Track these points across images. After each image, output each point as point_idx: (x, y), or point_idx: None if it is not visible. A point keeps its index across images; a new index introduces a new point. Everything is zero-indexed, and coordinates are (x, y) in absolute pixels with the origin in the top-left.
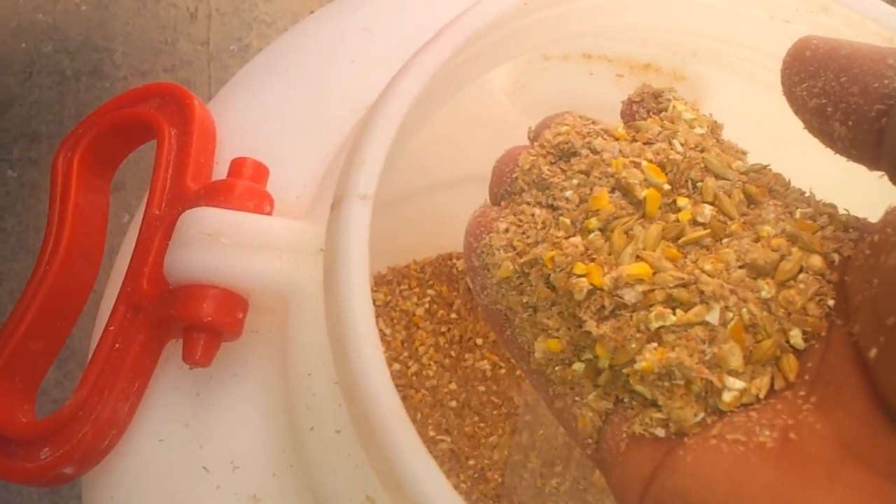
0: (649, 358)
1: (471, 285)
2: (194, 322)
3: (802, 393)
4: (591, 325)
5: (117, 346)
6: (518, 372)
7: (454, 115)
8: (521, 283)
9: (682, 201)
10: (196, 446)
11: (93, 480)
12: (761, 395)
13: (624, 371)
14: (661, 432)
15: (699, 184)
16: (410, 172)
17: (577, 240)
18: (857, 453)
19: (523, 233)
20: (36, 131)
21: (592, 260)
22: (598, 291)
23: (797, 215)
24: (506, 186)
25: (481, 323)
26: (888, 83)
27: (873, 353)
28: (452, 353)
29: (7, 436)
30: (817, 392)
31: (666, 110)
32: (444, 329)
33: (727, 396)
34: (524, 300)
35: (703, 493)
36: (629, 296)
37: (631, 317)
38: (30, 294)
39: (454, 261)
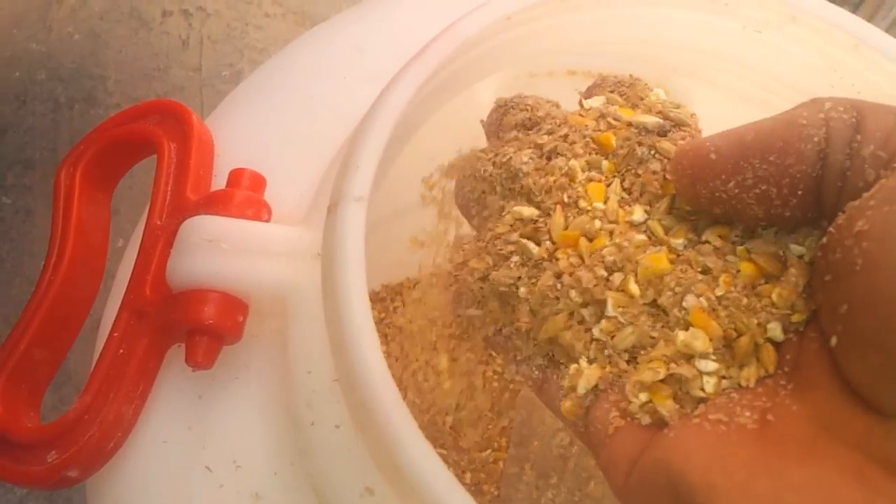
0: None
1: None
2: (196, 325)
3: (783, 382)
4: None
5: (121, 351)
6: (512, 386)
7: (444, 132)
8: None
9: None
10: (199, 447)
11: (98, 484)
12: (751, 384)
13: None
14: (646, 419)
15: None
16: (402, 191)
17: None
18: (831, 430)
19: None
20: (30, 158)
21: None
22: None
23: None
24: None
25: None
26: (815, 138)
27: (833, 341)
28: (447, 369)
29: (14, 440)
30: (794, 379)
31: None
32: (438, 345)
33: (708, 386)
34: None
35: (683, 464)
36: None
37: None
38: (34, 304)
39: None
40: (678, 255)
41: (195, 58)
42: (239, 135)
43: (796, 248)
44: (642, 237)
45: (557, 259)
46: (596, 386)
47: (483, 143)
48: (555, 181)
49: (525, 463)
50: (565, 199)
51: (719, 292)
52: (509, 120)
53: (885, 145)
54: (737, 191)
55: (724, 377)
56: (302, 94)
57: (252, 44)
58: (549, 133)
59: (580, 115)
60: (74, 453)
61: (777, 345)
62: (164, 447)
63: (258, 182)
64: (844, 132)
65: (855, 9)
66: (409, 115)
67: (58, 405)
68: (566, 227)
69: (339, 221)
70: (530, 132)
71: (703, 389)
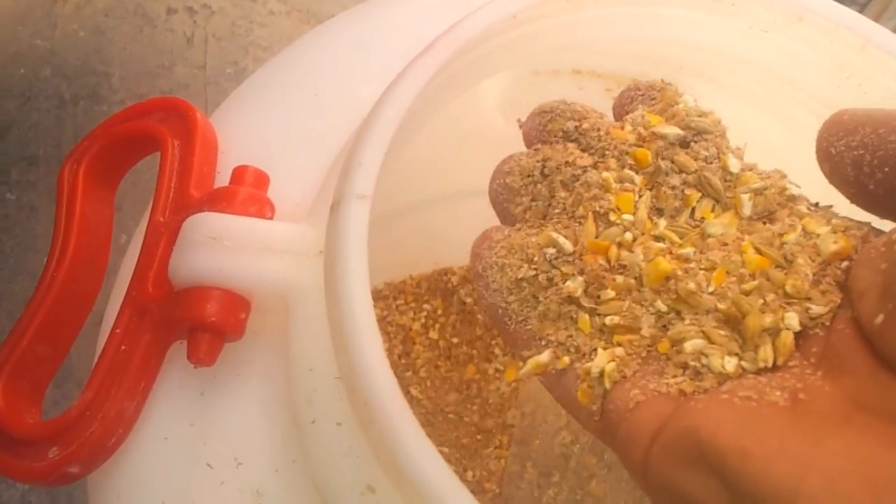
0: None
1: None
2: (199, 322)
3: (808, 371)
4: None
5: (123, 347)
6: (514, 383)
7: (448, 131)
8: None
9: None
10: (200, 444)
11: (99, 480)
12: (769, 364)
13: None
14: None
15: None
16: (406, 188)
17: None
18: (868, 407)
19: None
20: (34, 154)
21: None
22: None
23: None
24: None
25: (477, 336)
26: None
27: (880, 319)
28: (449, 366)
29: (16, 436)
30: (823, 367)
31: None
32: (440, 342)
33: (729, 365)
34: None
35: (714, 429)
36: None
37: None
38: (37, 300)
39: (449, 276)
40: (687, 260)
41: (200, 55)
42: (243, 132)
43: (794, 237)
44: (660, 246)
45: (584, 260)
46: (615, 369)
47: (485, 141)
48: (590, 193)
49: (527, 461)
50: (597, 209)
51: (715, 284)
52: (555, 127)
53: None
54: (843, 149)
55: (738, 355)
56: (306, 92)
57: (256, 41)
58: (592, 146)
59: (621, 127)
60: (76, 449)
61: (798, 336)
62: (166, 444)
63: (261, 179)
64: None
65: (861, 9)
66: (413, 113)
67: (59, 401)
68: (597, 236)
69: (342, 219)
70: (573, 142)
71: (723, 366)
